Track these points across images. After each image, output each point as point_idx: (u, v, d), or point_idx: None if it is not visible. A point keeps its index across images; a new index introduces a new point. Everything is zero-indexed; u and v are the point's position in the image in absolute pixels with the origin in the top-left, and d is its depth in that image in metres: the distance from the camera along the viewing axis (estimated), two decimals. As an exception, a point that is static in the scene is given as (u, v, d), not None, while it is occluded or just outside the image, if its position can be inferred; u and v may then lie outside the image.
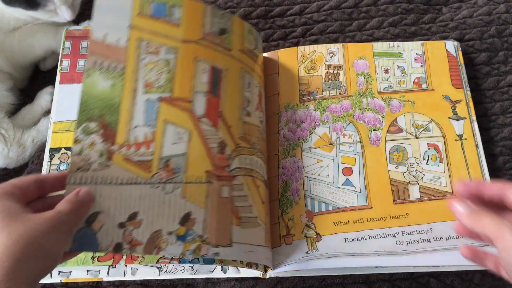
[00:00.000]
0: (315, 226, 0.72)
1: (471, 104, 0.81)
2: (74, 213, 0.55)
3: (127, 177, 0.63)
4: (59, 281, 0.72)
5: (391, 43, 0.86)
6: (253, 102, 0.75)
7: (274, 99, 0.83)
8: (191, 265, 0.72)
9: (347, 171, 0.76)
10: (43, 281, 0.72)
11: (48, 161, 0.79)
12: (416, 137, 0.78)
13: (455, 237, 0.71)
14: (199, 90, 0.70)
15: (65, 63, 0.86)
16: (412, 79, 0.83)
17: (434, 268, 0.71)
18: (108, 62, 0.67)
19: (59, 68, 0.86)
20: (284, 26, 0.97)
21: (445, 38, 0.92)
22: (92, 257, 0.72)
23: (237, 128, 0.71)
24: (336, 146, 0.78)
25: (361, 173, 0.76)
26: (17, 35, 0.88)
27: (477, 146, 0.77)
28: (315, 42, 0.93)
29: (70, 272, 0.72)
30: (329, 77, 0.83)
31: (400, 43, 0.86)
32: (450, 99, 0.81)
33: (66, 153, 0.80)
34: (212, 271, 0.72)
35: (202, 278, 0.74)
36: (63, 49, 0.87)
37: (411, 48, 0.85)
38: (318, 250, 0.71)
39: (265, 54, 0.87)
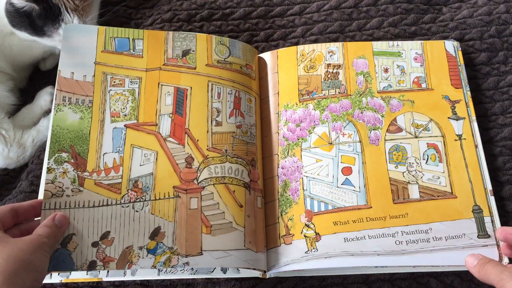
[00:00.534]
0: (314, 226, 0.72)
1: (470, 104, 0.81)
2: (52, 236, 0.63)
3: (99, 200, 0.70)
4: (58, 281, 0.72)
5: (391, 43, 0.86)
6: (224, 111, 0.79)
7: (273, 99, 0.83)
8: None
9: (347, 171, 0.76)
10: (43, 281, 0.72)
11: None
12: (416, 137, 0.78)
13: (454, 237, 0.71)
14: (164, 113, 0.78)
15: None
16: (412, 79, 0.83)
17: (434, 268, 0.72)
18: (76, 97, 0.76)
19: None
20: (284, 26, 0.97)
21: (445, 38, 0.92)
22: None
23: (205, 140, 0.76)
24: (336, 146, 0.78)
25: (360, 173, 0.76)
26: (16, 37, 0.88)
27: (476, 146, 0.77)
28: (315, 42, 0.93)
29: (70, 272, 0.72)
30: (329, 76, 0.83)
31: (399, 42, 0.86)
32: (449, 99, 0.81)
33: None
34: (212, 271, 0.72)
35: (202, 278, 0.74)
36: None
37: (411, 47, 0.85)
38: (317, 250, 0.71)
39: (264, 54, 0.87)
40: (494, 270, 0.61)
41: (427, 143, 0.78)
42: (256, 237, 0.72)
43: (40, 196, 0.75)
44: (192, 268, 0.71)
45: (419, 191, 0.74)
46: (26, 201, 0.69)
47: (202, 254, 0.69)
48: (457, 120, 0.79)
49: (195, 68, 0.81)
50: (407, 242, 0.70)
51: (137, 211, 0.70)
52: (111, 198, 0.71)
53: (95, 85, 0.77)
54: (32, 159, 0.85)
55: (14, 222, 0.65)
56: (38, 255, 0.58)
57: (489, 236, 0.71)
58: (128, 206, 0.70)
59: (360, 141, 0.78)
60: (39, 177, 0.79)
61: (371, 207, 0.73)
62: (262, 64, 0.87)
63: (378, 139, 0.78)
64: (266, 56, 0.87)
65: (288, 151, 0.78)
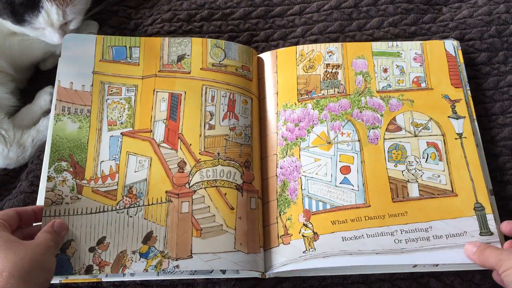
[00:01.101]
0: (312, 226, 0.72)
1: (471, 103, 0.80)
2: (53, 241, 0.65)
3: (96, 207, 0.73)
4: (58, 282, 0.72)
5: (390, 43, 0.86)
6: (218, 114, 0.80)
7: (272, 99, 0.83)
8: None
9: (345, 170, 0.76)
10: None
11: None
12: (415, 136, 0.78)
13: (455, 235, 0.70)
14: (158, 119, 0.79)
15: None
16: (411, 78, 0.82)
17: (434, 267, 0.71)
18: (75, 106, 0.79)
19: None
20: (284, 26, 0.97)
21: (445, 38, 0.92)
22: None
23: (197, 144, 0.77)
24: (334, 145, 0.78)
25: (359, 172, 0.75)
26: (17, 38, 0.88)
27: (477, 145, 0.77)
28: (315, 42, 0.93)
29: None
30: (328, 76, 0.83)
31: (399, 43, 0.86)
32: (449, 98, 0.80)
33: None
34: (211, 272, 0.72)
35: (202, 278, 0.74)
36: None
37: (410, 47, 0.85)
38: (315, 249, 0.70)
39: (263, 54, 0.87)
40: (493, 253, 0.64)
41: (427, 142, 0.77)
42: (248, 239, 0.72)
43: (39, 197, 0.76)
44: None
45: (419, 190, 0.74)
46: (29, 206, 0.72)
47: (192, 257, 0.70)
48: (457, 119, 0.78)
49: (189, 73, 0.82)
50: (407, 240, 0.70)
51: (131, 217, 0.72)
52: (107, 204, 0.73)
53: (93, 95, 0.79)
54: (32, 159, 0.85)
55: (18, 226, 0.68)
56: (48, 257, 0.62)
57: (492, 234, 0.70)
58: (123, 212, 0.73)
59: (359, 140, 0.78)
60: (39, 177, 0.79)
61: (370, 206, 0.73)
62: (261, 64, 0.87)
63: (377, 138, 0.77)
64: (265, 56, 0.87)
65: (287, 151, 0.78)
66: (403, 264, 0.70)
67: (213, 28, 0.96)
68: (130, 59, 0.82)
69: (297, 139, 0.79)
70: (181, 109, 0.79)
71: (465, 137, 0.77)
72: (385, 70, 0.83)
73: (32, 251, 0.60)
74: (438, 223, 0.71)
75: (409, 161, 0.76)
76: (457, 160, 0.76)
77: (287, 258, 0.71)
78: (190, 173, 0.75)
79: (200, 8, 0.99)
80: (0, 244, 0.59)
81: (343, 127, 0.79)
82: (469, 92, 0.81)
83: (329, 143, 0.78)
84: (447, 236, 0.70)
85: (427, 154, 0.76)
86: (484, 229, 0.71)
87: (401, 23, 0.95)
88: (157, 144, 0.77)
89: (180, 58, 0.83)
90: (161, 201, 0.73)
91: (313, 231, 0.72)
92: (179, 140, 0.77)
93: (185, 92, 0.80)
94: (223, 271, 0.72)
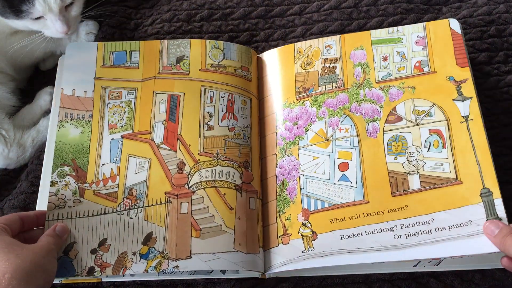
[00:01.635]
0: (311, 225, 0.73)
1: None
2: (55, 245, 0.67)
3: (97, 209, 0.74)
4: (58, 282, 0.74)
5: (391, 29, 0.83)
6: (216, 115, 0.81)
7: (271, 98, 0.83)
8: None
9: (343, 166, 0.76)
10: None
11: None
12: (417, 124, 0.76)
13: (459, 225, 0.68)
14: (157, 120, 0.81)
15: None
16: (413, 64, 0.80)
17: (434, 267, 0.71)
18: (77, 112, 0.80)
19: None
20: (284, 26, 0.97)
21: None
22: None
23: (196, 145, 0.78)
24: (332, 142, 0.77)
25: (357, 167, 0.75)
26: (17, 38, 0.89)
27: (485, 126, 0.73)
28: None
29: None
30: (325, 71, 0.82)
31: (400, 27, 0.83)
32: (454, 79, 0.77)
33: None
34: (211, 272, 0.73)
35: (202, 278, 0.75)
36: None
37: (412, 31, 0.82)
38: (314, 249, 0.71)
39: (262, 54, 0.88)
40: None
41: (429, 130, 0.75)
42: (247, 239, 0.73)
43: (39, 197, 0.78)
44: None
45: (420, 181, 0.72)
46: (31, 211, 0.75)
47: (191, 257, 0.71)
48: (463, 100, 0.75)
49: (188, 74, 0.83)
50: (407, 235, 0.68)
51: (131, 218, 0.74)
52: (108, 206, 0.74)
53: (95, 100, 0.81)
54: (32, 160, 0.87)
55: (20, 230, 0.69)
56: (49, 259, 0.64)
57: (500, 220, 0.67)
58: (123, 213, 0.74)
59: (357, 135, 0.77)
60: (39, 177, 0.81)
61: (369, 202, 0.72)
62: (260, 64, 0.87)
63: (376, 131, 0.76)
64: (264, 56, 0.87)
65: (286, 151, 0.78)
66: (403, 264, 0.70)
67: (213, 28, 0.97)
68: (130, 62, 0.84)
69: (295, 138, 0.79)
70: (180, 110, 0.80)
71: (472, 119, 0.73)
72: (385, 59, 0.81)
73: (34, 254, 0.62)
74: (441, 214, 0.69)
75: (410, 152, 0.74)
76: (463, 145, 0.72)
77: (286, 258, 0.72)
78: (189, 174, 0.76)
79: (200, 8, 1.00)
80: (3, 247, 0.61)
81: (341, 122, 0.78)
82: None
83: (327, 140, 0.78)
84: (450, 227, 0.68)
85: (430, 143, 0.74)
86: (492, 215, 0.67)
87: (401, 23, 0.94)
88: (156, 145, 0.78)
89: (179, 59, 0.84)
90: (161, 202, 0.75)
91: (312, 231, 0.72)
92: (178, 141, 0.78)
93: (184, 93, 0.81)
94: (223, 271, 0.73)
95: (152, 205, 0.74)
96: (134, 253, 0.71)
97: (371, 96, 0.79)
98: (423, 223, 0.69)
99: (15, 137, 0.87)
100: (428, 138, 0.75)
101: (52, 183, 0.75)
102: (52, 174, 0.76)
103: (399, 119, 0.77)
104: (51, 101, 0.89)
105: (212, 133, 0.79)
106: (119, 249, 0.71)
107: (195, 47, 0.85)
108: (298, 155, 0.78)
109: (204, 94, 0.81)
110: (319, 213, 0.73)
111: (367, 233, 0.70)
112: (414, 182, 0.72)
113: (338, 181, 0.75)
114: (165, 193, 0.75)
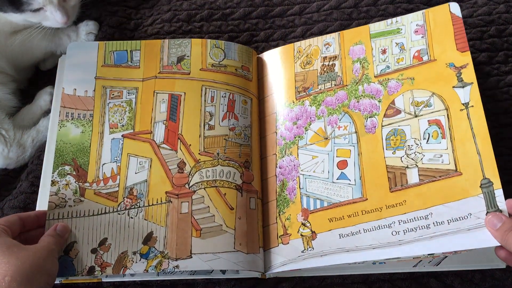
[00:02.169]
0: (310, 225, 0.74)
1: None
2: (57, 244, 0.68)
3: (98, 209, 0.75)
4: (59, 282, 0.75)
5: (389, 20, 0.82)
6: (217, 114, 0.81)
7: (271, 98, 0.84)
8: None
9: (342, 165, 0.76)
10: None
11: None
12: (416, 116, 0.75)
13: (458, 219, 0.66)
14: (158, 120, 0.81)
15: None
16: (412, 54, 0.79)
17: (434, 267, 0.71)
18: (78, 112, 0.81)
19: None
20: (284, 26, 0.98)
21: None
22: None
23: (197, 145, 0.79)
24: (331, 140, 0.78)
25: (356, 165, 0.75)
26: (17, 38, 0.90)
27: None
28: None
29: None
30: (325, 69, 0.82)
31: (399, 18, 0.82)
32: (454, 65, 0.75)
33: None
34: (211, 272, 0.74)
35: (202, 278, 0.76)
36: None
37: (411, 20, 0.81)
38: (313, 248, 0.72)
39: (262, 54, 0.88)
40: None
41: (428, 120, 0.74)
42: (247, 239, 0.74)
43: (40, 197, 0.79)
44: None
45: (419, 175, 0.71)
46: (32, 211, 0.75)
47: (191, 257, 0.71)
48: (463, 87, 0.73)
49: (189, 74, 0.83)
50: (405, 231, 0.68)
51: (131, 218, 0.74)
52: (109, 206, 0.75)
53: (96, 99, 0.82)
54: (32, 159, 0.87)
55: (20, 231, 0.70)
56: (50, 260, 0.64)
57: (501, 212, 0.65)
58: (124, 213, 0.75)
59: (356, 132, 0.77)
60: (39, 177, 0.82)
61: (367, 199, 0.72)
62: (261, 64, 0.88)
63: (375, 127, 0.76)
64: (264, 56, 0.88)
65: (286, 150, 0.79)
66: (403, 264, 0.70)
67: (213, 28, 0.98)
68: (131, 62, 0.84)
69: (295, 137, 0.80)
70: (181, 110, 0.81)
71: (472, 106, 0.72)
72: (384, 51, 0.81)
73: (34, 255, 0.61)
74: (439, 208, 0.68)
75: (408, 145, 0.73)
76: (462, 134, 0.71)
77: (286, 258, 0.73)
78: (189, 174, 0.77)
79: (200, 8, 1.00)
80: (3, 249, 0.60)
81: (340, 120, 0.79)
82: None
83: (326, 138, 0.78)
84: (449, 221, 0.67)
85: (429, 134, 0.73)
86: (492, 207, 0.66)
87: (401, 23, 0.94)
88: (157, 145, 0.79)
89: (180, 59, 0.84)
90: (161, 201, 0.75)
91: (311, 230, 0.73)
92: (179, 140, 0.79)
93: (184, 93, 0.82)
94: (223, 271, 0.74)
95: (152, 204, 0.75)
96: (134, 253, 0.72)
97: (369, 91, 0.79)
98: (422, 217, 0.68)
99: (15, 137, 0.87)
100: (427, 129, 0.74)
101: (53, 183, 0.76)
102: (52, 173, 0.76)
103: (398, 112, 0.76)
104: (51, 101, 0.90)
105: (213, 132, 0.80)
106: (119, 249, 0.72)
107: (196, 47, 0.85)
108: (297, 155, 0.78)
109: (205, 93, 0.82)
110: (318, 212, 0.74)
111: (365, 230, 0.70)
112: (413, 176, 0.71)
113: (337, 179, 0.75)
114: (166, 192, 0.76)
